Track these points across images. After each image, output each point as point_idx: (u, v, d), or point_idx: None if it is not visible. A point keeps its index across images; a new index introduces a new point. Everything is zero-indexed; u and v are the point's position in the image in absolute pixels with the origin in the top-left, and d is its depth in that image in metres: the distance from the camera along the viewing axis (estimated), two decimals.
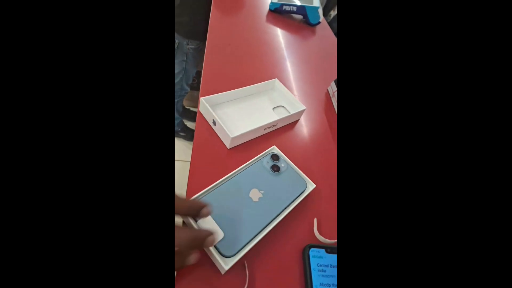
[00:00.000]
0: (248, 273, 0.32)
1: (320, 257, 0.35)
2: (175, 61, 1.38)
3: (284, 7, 0.85)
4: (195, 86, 1.71)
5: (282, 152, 0.44)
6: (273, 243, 0.36)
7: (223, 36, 0.70)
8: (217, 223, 0.32)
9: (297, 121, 0.54)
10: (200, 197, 0.35)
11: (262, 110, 0.52)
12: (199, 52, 1.38)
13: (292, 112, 0.52)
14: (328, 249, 0.36)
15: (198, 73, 1.61)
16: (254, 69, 0.63)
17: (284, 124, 0.52)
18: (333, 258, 0.35)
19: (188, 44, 1.31)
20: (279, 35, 0.79)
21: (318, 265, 0.35)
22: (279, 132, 0.50)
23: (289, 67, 0.68)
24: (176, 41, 1.29)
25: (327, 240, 0.37)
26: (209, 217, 0.33)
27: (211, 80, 0.56)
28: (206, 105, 0.45)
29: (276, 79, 0.56)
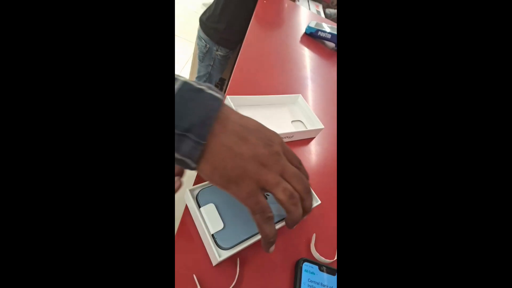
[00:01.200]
0: (239, 272, 0.32)
1: (313, 273, 0.35)
2: (202, 64, 1.42)
3: (319, 32, 0.88)
4: None
5: None
6: None
7: (257, 46, 0.73)
8: (219, 213, 0.32)
9: (312, 138, 0.54)
10: (205, 187, 0.35)
11: (281, 120, 0.53)
12: (227, 60, 1.42)
13: (310, 128, 0.52)
14: (321, 267, 0.35)
15: (222, 80, 1.65)
16: (279, 82, 0.65)
17: (300, 139, 0.52)
18: (324, 277, 0.35)
19: (217, 51, 1.35)
20: (309, 57, 0.82)
21: (309, 280, 0.34)
22: (294, 145, 0.51)
23: (312, 87, 0.70)
24: (207, 45, 1.34)
25: (322, 258, 0.37)
26: (213, 206, 0.33)
27: (239, 83, 0.58)
28: (231, 103, 0.46)
29: (300, 95, 0.57)
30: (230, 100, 0.46)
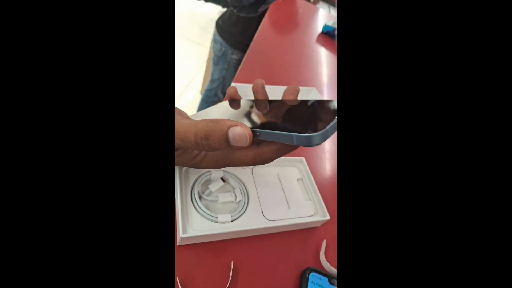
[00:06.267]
0: (231, 278, 0.27)
1: (321, 285, 0.29)
2: (217, 67, 1.41)
3: (336, 31, 0.84)
4: None
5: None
6: (272, 255, 0.30)
7: (269, 42, 0.69)
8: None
9: None
10: None
11: None
12: (241, 64, 1.40)
13: None
14: (332, 279, 0.29)
15: None
16: (292, 77, 0.61)
17: None
18: None
19: (232, 54, 1.33)
20: (326, 55, 0.77)
21: None
22: None
23: (329, 84, 0.65)
24: (222, 48, 1.32)
25: (333, 269, 0.31)
26: None
27: (248, 73, 0.54)
28: None
29: (314, 88, 0.52)
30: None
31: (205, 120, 0.20)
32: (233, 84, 0.43)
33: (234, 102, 0.28)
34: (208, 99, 1.52)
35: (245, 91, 0.45)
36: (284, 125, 0.20)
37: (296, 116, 0.22)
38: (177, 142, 0.21)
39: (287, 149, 0.22)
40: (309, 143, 0.18)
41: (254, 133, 0.20)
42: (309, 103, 0.24)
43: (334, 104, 0.22)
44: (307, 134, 0.18)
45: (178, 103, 1.66)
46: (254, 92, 0.27)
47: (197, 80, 1.70)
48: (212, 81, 1.46)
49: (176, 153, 0.23)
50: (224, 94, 1.53)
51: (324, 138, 0.18)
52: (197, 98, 1.59)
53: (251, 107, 0.26)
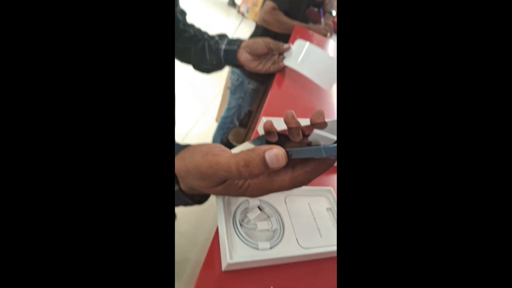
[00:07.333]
0: None
1: None
2: (234, 96, 1.47)
3: None
4: (244, 124, 1.77)
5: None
6: (307, 281, 0.32)
7: (291, 74, 0.74)
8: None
9: None
10: None
11: None
12: (257, 93, 1.45)
13: None
14: None
15: (249, 112, 1.68)
16: (307, 106, 0.64)
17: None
18: None
19: (249, 84, 1.39)
20: None
21: None
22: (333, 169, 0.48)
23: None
24: (239, 79, 1.39)
25: None
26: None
27: (274, 105, 0.58)
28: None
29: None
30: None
31: (242, 151, 0.23)
32: (263, 118, 0.47)
33: (271, 135, 0.31)
34: (224, 126, 1.58)
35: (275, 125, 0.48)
36: (314, 142, 0.23)
37: (324, 133, 0.25)
38: (223, 174, 0.23)
39: (320, 169, 0.24)
40: (337, 153, 0.19)
41: (287, 153, 0.22)
42: (335, 122, 0.27)
43: None
44: (334, 145, 0.19)
45: (195, 129, 1.72)
46: (286, 122, 0.30)
47: (212, 108, 1.77)
48: (228, 109, 1.52)
49: (223, 185, 0.26)
50: (238, 120, 1.58)
51: None
52: (213, 125, 1.65)
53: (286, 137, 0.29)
